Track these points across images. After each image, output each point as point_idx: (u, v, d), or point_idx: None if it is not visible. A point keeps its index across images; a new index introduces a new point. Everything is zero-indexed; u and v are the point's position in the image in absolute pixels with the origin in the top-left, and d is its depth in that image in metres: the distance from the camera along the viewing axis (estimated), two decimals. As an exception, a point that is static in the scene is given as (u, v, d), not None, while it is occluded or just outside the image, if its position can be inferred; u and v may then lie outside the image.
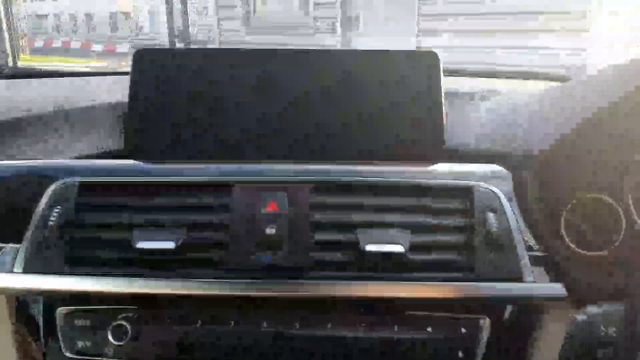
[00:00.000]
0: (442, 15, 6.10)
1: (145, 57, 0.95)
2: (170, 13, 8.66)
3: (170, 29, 8.73)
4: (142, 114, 0.93)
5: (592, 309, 0.77)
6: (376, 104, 0.94)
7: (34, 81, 1.28)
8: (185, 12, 8.74)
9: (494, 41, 5.75)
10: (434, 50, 0.97)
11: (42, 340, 0.80)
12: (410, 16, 6.38)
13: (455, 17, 6.07)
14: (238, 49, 0.96)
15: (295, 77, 0.94)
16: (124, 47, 13.65)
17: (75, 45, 14.60)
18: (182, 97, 0.93)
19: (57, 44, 15.12)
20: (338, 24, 6.95)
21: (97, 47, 13.60)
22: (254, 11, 7.79)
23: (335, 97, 0.93)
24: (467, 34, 5.79)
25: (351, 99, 0.93)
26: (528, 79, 1.27)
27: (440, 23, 6.16)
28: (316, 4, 7.08)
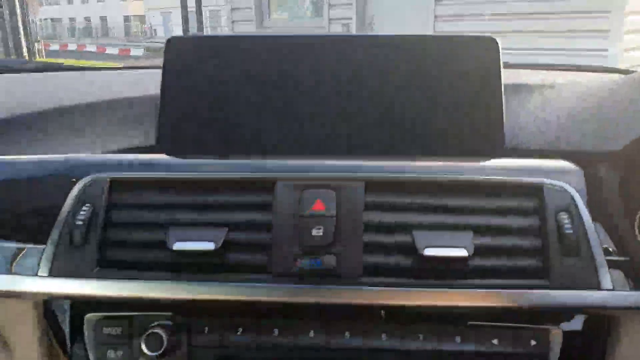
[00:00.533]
0: (458, 16, 6.02)
1: (178, 45, 0.87)
2: (185, 15, 8.68)
3: (185, 31, 8.76)
4: (176, 105, 0.86)
5: None
6: (428, 94, 0.85)
7: (62, 75, 1.22)
8: (199, 14, 8.75)
9: (511, 42, 5.65)
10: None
11: (69, 349, 0.74)
12: (425, 17, 6.31)
13: (471, 18, 5.99)
14: (277, 35, 0.88)
15: (340, 65, 0.85)
16: (139, 51, 13.73)
17: (90, 48, 14.73)
18: (218, 86, 0.85)
19: (72, 47, 15.27)
20: (353, 25, 6.90)
21: (112, 50, 13.71)
22: (268, 14, 7.76)
23: (383, 86, 0.85)
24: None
25: (401, 88, 0.85)
26: (584, 71, 1.15)
27: (456, 24, 6.09)
28: (331, 5, 7.03)
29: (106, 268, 0.69)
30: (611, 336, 0.73)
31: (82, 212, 0.70)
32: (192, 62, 0.86)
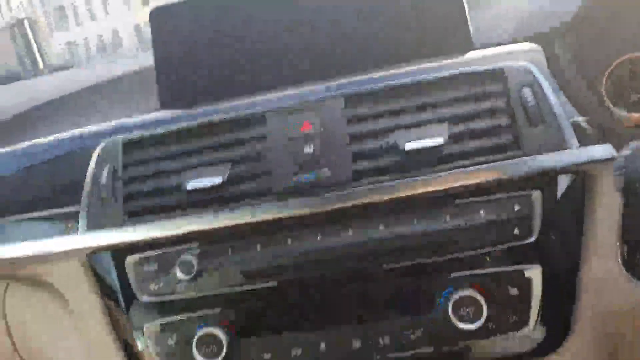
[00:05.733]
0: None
1: (162, 15, 0.97)
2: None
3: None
4: (169, 69, 0.96)
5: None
6: (391, 3, 0.91)
7: (69, 73, 1.39)
8: None
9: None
10: None
11: (120, 291, 0.83)
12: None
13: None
14: None
15: None
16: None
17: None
18: (204, 44, 0.96)
19: (91, 66, 15.47)
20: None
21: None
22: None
23: (346, 4, 0.92)
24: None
25: (363, 2, 0.91)
26: None
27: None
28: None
29: (134, 217, 0.79)
30: (589, 192, 0.77)
31: (104, 174, 0.81)
32: (177, 28, 0.97)
